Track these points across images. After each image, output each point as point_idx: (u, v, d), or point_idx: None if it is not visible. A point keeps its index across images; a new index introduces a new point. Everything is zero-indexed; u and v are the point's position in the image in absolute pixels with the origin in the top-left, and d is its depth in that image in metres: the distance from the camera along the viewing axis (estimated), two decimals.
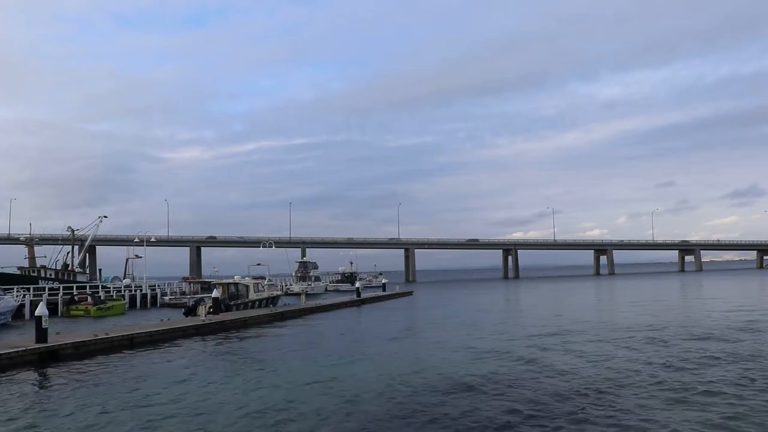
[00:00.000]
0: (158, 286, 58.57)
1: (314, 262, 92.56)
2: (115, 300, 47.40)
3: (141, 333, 25.31)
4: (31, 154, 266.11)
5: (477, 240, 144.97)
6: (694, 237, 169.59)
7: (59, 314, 42.55)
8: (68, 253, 62.65)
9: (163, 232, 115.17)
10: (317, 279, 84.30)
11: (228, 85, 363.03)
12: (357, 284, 60.11)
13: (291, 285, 73.38)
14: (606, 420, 11.17)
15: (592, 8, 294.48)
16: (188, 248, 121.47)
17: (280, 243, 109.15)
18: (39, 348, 20.20)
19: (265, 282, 51.52)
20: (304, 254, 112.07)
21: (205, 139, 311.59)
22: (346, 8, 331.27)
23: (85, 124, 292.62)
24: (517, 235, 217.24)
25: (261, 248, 76.19)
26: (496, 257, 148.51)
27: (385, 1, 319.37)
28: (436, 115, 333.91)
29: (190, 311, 35.50)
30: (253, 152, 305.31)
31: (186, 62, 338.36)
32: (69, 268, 59.29)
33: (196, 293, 54.60)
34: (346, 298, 54.37)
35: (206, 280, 62.46)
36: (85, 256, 71.99)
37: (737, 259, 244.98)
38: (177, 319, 32.55)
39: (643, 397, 12.88)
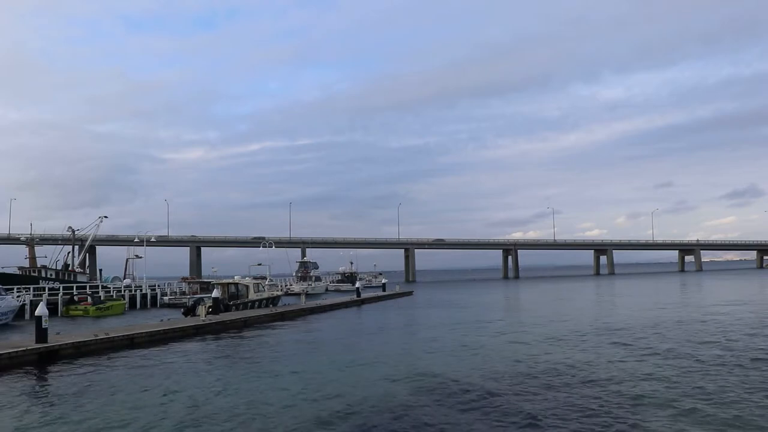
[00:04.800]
0: (158, 286, 58.53)
1: (315, 262, 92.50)
2: (114, 300, 47.39)
3: (141, 333, 25.31)
4: (36, 154, 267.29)
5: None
6: (693, 237, 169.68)
7: (59, 314, 42.56)
8: (68, 253, 62.72)
9: (163, 232, 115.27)
10: (318, 279, 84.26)
11: (234, 87, 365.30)
12: (357, 284, 60.10)
13: (291, 285, 73.38)
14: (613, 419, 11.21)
15: (593, 11, 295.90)
16: (188, 248, 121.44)
17: (281, 243, 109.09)
18: (39, 348, 20.21)
19: (266, 282, 51.56)
20: (304, 254, 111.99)
21: (209, 140, 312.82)
22: (352, 11, 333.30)
23: (90, 126, 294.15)
24: (517, 235, 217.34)
25: (261, 248, 76.23)
26: (496, 257, 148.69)
27: (390, 4, 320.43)
28: (439, 116, 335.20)
29: (189, 311, 35.47)
30: (257, 153, 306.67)
31: (193, 64, 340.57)
32: (69, 268, 59.31)
33: (196, 293, 54.64)
34: (347, 298, 54.33)
35: (205, 280, 62.48)
36: (85, 256, 71.98)
37: (737, 258, 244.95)
38: (177, 320, 32.54)
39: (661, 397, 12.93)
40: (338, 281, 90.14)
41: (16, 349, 19.60)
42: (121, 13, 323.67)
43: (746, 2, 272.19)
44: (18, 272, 53.98)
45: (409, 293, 65.85)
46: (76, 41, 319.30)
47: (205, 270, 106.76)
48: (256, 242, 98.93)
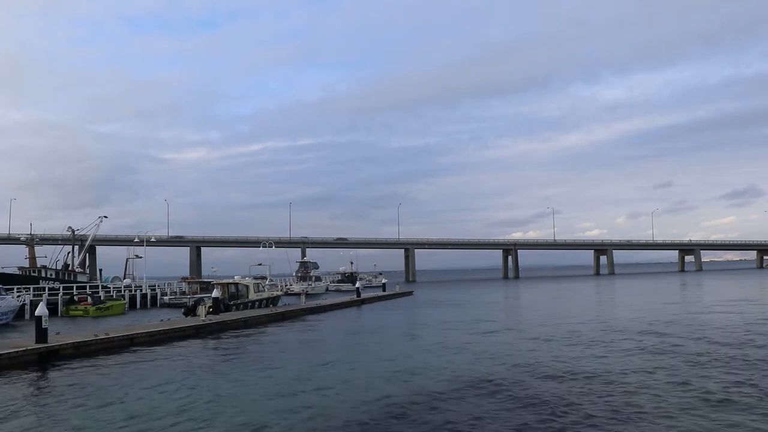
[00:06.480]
0: (158, 286, 58.53)
1: (315, 262, 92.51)
2: (114, 300, 47.37)
3: (141, 333, 25.29)
4: (37, 154, 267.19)
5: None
6: (693, 237, 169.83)
7: (59, 314, 42.53)
8: (68, 253, 62.73)
9: (164, 232, 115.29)
10: (318, 279, 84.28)
11: (236, 87, 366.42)
12: (357, 284, 60.12)
13: (291, 285, 73.40)
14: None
15: (594, 11, 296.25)
16: (188, 248, 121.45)
17: (280, 243, 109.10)
18: (39, 348, 20.19)
19: (267, 282, 51.54)
20: (304, 254, 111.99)
21: (210, 141, 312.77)
22: (353, 11, 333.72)
23: (92, 126, 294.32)
24: (517, 235, 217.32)
25: (261, 248, 76.28)
26: (496, 257, 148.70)
27: (390, 4, 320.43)
28: (440, 116, 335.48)
29: (190, 311, 35.43)
30: (258, 153, 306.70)
31: (195, 65, 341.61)
32: (69, 268, 59.29)
33: (196, 293, 54.69)
34: (347, 298, 54.32)
35: (205, 280, 62.49)
36: (85, 256, 71.99)
37: (737, 258, 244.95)
38: (177, 320, 32.52)
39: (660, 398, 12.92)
40: (338, 281, 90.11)
41: (16, 349, 19.58)
42: (123, 13, 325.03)
43: (746, 2, 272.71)
44: (18, 272, 53.95)
45: (410, 293, 65.84)
46: (78, 41, 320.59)
47: (205, 270, 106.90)
48: (256, 242, 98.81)
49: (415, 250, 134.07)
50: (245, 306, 39.52)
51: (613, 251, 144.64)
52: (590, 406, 12.32)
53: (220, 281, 43.52)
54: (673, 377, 15.10)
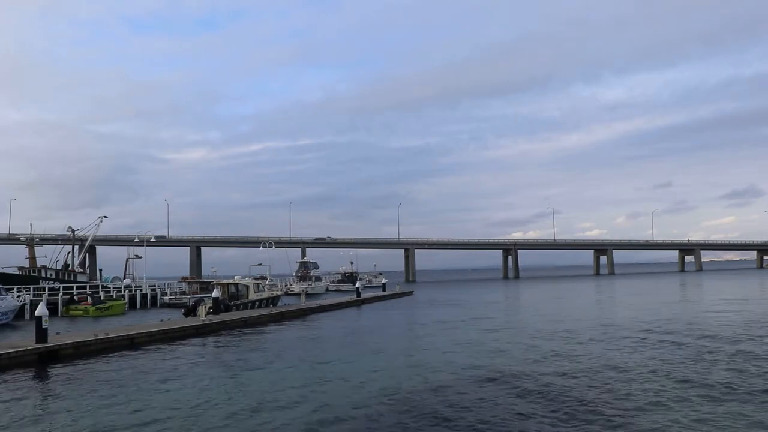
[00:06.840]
0: (158, 286, 58.50)
1: (315, 262, 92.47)
2: (114, 300, 47.34)
3: (141, 333, 25.28)
4: (37, 154, 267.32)
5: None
6: (693, 237, 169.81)
7: (59, 314, 42.52)
8: (69, 253, 62.70)
9: (163, 232, 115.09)
10: (318, 279, 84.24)
11: (236, 88, 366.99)
12: (357, 284, 60.12)
13: (291, 285, 73.39)
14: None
15: (594, 11, 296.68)
16: (188, 248, 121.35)
17: (280, 243, 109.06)
18: (39, 348, 20.18)
19: (267, 282, 51.52)
20: (304, 254, 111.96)
21: (211, 141, 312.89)
22: (353, 11, 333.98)
23: (93, 126, 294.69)
24: (517, 235, 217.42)
25: (261, 248, 76.26)
26: (496, 257, 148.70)
27: (392, 5, 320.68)
28: (440, 116, 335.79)
29: (190, 311, 35.41)
30: (258, 153, 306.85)
31: (196, 65, 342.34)
32: (69, 268, 59.26)
33: (196, 293, 54.63)
34: (347, 298, 54.30)
35: (205, 280, 62.47)
36: (85, 256, 71.95)
37: (737, 258, 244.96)
38: (177, 320, 32.51)
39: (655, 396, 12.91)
40: (338, 281, 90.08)
41: (16, 349, 19.57)
42: (123, 14, 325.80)
43: (746, 2, 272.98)
44: (18, 272, 53.92)
45: (410, 293, 65.82)
46: (79, 42, 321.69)
47: (205, 270, 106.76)
48: (256, 242, 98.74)
49: (415, 250, 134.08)
50: (245, 306, 39.51)
51: (613, 251, 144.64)
52: (591, 402, 12.33)
53: (220, 281, 43.49)
54: (674, 374, 15.12)
